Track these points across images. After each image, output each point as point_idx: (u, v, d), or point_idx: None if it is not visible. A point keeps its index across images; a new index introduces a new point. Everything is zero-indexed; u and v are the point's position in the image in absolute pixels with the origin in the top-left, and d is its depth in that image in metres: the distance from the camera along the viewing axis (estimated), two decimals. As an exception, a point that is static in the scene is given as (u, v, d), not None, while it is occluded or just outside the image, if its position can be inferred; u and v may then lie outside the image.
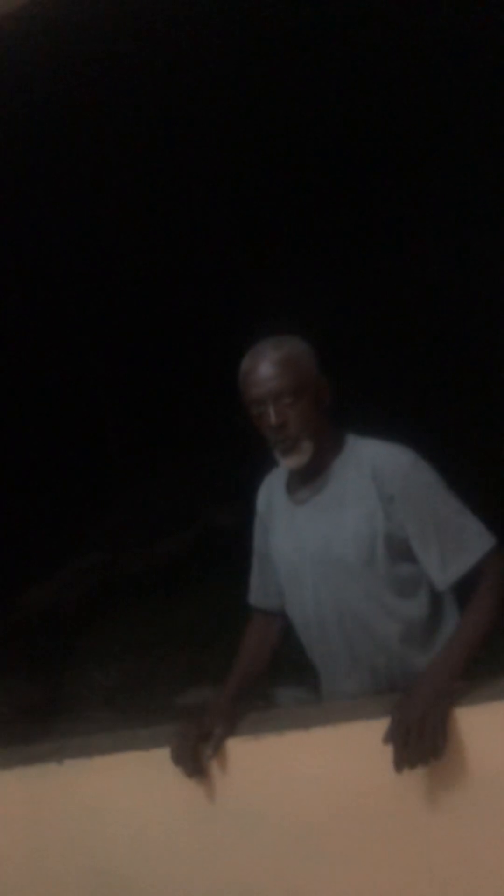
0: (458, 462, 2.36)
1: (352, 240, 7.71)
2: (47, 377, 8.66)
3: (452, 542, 1.71)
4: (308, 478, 1.84)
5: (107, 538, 8.12)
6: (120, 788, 1.83)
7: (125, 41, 6.48)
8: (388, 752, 1.50)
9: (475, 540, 1.72)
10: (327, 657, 1.88)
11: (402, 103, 7.08)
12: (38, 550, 7.52)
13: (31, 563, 7.39)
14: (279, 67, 6.96)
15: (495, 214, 6.84)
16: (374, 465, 1.76)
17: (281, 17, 6.45)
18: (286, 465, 1.81)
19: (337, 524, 1.78)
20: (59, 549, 7.89)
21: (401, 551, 1.75)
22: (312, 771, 1.65)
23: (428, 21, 6.34)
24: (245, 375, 1.79)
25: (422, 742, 1.48)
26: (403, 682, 1.72)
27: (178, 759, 1.73)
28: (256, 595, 2.03)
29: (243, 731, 1.74)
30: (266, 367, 1.75)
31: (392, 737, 1.50)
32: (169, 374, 8.73)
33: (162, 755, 1.75)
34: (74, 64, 6.44)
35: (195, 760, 1.71)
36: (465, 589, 1.74)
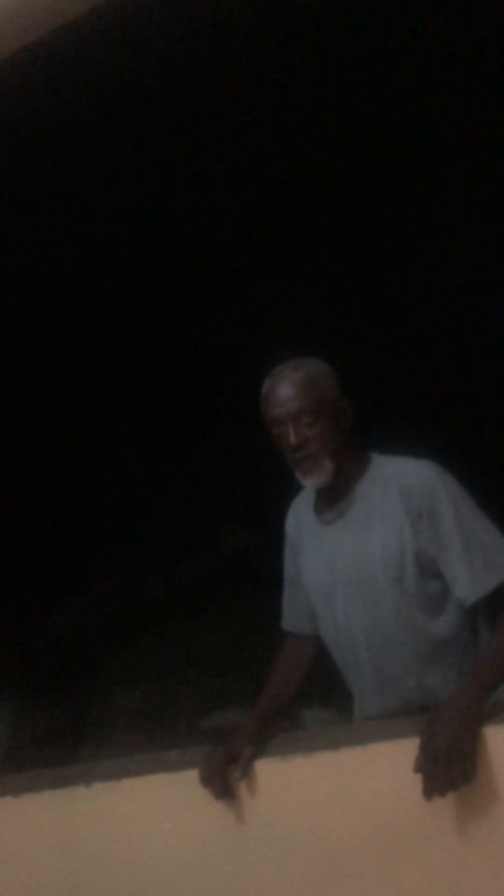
0: (484, 478, 2.36)
1: (369, 259, 7.73)
2: (66, 402, 8.73)
3: (480, 558, 1.70)
4: (335, 498, 1.84)
5: (128, 562, 8.13)
6: (149, 811, 1.83)
7: (124, 81, 6.62)
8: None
9: (502, 557, 1.71)
10: (358, 678, 1.88)
11: (412, 126, 7.14)
12: (60, 576, 7.55)
13: (54, 588, 7.42)
14: (282, 92, 7.06)
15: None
16: (400, 483, 1.76)
17: (280, 44, 6.55)
18: (307, 484, 1.82)
19: (366, 543, 1.78)
20: (81, 574, 7.91)
21: (430, 569, 1.75)
22: (342, 791, 1.64)
23: (434, 51, 6.43)
24: (265, 396, 1.81)
25: (451, 768, 1.47)
26: (434, 704, 1.72)
27: (207, 780, 1.72)
28: (288, 619, 2.02)
29: (272, 752, 1.73)
30: (285, 387, 1.78)
31: (421, 765, 1.49)
32: (188, 398, 8.77)
33: (191, 777, 1.75)
34: (73, 106, 6.59)
35: (224, 782, 1.71)
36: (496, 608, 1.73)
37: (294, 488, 2.00)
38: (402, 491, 1.75)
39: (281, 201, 7.80)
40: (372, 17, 6.09)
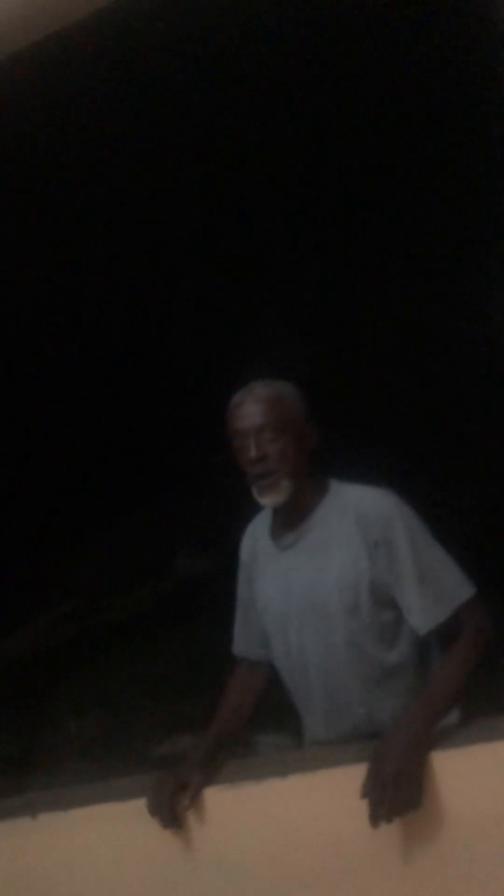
0: (438, 508, 2.38)
1: (341, 287, 7.82)
2: (21, 424, 8.63)
3: (433, 588, 1.70)
4: (292, 523, 1.84)
5: (82, 587, 8.05)
6: (97, 841, 1.80)
7: (119, 88, 6.64)
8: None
9: (455, 588, 1.72)
10: (309, 704, 1.87)
11: (392, 158, 7.26)
12: (13, 599, 7.43)
13: (7, 612, 7.29)
14: (269, 121, 7.16)
15: (485, 258, 6.99)
16: (358, 511, 1.76)
17: (268, 77, 6.65)
18: (263, 503, 1.81)
19: (321, 570, 1.78)
20: (34, 598, 7.80)
21: (385, 598, 1.75)
22: (291, 818, 1.63)
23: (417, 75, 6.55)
24: (232, 409, 1.82)
25: (398, 794, 1.47)
26: (378, 730, 1.71)
27: (155, 809, 1.70)
28: (240, 644, 2.01)
29: (221, 780, 1.72)
30: (252, 402, 1.80)
31: (368, 791, 1.49)
32: (144, 423, 8.74)
33: (138, 806, 1.72)
34: (70, 106, 6.60)
35: (172, 811, 1.69)
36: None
37: (250, 512, 2.00)
38: (359, 519, 1.75)
39: (256, 227, 7.87)
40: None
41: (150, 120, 7.03)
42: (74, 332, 8.59)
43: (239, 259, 8.02)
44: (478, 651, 1.68)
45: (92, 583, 8.03)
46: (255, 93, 6.91)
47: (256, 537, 1.96)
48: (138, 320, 8.47)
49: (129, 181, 7.52)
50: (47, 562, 8.08)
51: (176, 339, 8.42)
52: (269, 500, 1.80)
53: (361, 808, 1.48)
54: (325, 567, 1.78)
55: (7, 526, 8.33)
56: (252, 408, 1.79)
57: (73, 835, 1.82)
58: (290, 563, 1.84)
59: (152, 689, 5.50)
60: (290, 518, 1.84)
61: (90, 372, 8.87)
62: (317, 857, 1.61)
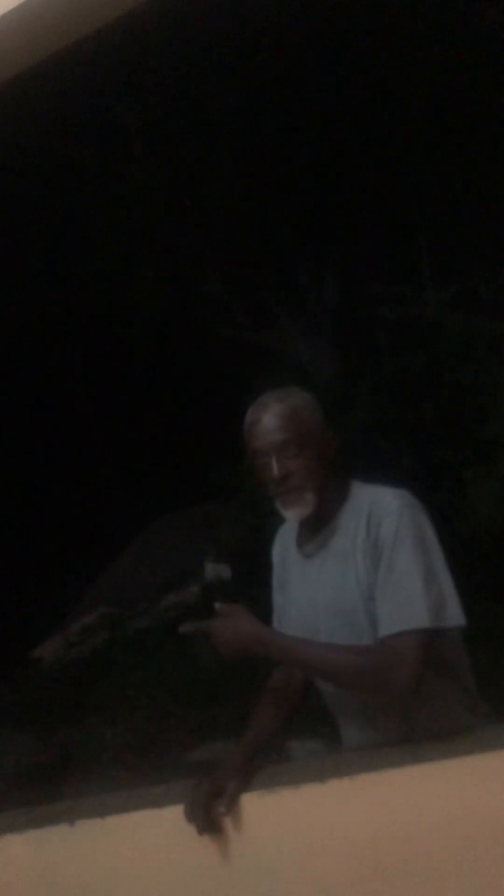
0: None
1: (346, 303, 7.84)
2: (53, 438, 8.71)
3: (392, 601, 1.64)
4: (316, 530, 1.83)
5: (112, 595, 8.07)
6: (134, 848, 1.80)
7: (116, 114, 6.73)
8: (405, 802, 1.48)
9: (416, 613, 1.61)
10: (343, 712, 1.87)
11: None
12: (45, 607, 7.49)
13: (39, 619, 7.35)
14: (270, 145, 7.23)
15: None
16: (369, 512, 1.74)
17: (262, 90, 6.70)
18: (287, 516, 1.80)
19: (344, 576, 1.76)
20: (66, 606, 7.84)
21: None
22: (329, 824, 1.62)
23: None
24: (249, 427, 1.79)
25: None
26: (416, 735, 1.70)
27: (192, 815, 1.69)
28: None
29: (257, 786, 1.71)
30: (269, 418, 1.76)
31: None
32: (171, 431, 8.77)
33: (176, 813, 1.72)
34: (61, 136, 6.68)
35: (208, 817, 1.68)
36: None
37: (275, 518, 1.99)
38: (368, 521, 1.73)
39: (270, 236, 7.91)
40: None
41: (151, 137, 7.12)
42: (105, 350, 8.67)
43: (259, 270, 8.06)
44: (393, 686, 1.60)
45: (121, 591, 8.06)
46: (259, 101, 6.97)
47: (286, 543, 1.96)
48: (168, 328, 8.52)
49: (133, 190, 7.61)
50: (76, 571, 8.13)
51: (207, 349, 8.45)
52: (292, 514, 1.78)
53: (400, 812, 1.47)
54: (348, 573, 1.76)
55: (36, 537, 8.40)
56: (270, 424, 1.75)
57: (110, 842, 1.82)
58: (315, 571, 1.83)
59: (185, 696, 5.50)
60: (315, 525, 1.83)
61: (117, 385, 8.93)
62: (355, 863, 1.59)
